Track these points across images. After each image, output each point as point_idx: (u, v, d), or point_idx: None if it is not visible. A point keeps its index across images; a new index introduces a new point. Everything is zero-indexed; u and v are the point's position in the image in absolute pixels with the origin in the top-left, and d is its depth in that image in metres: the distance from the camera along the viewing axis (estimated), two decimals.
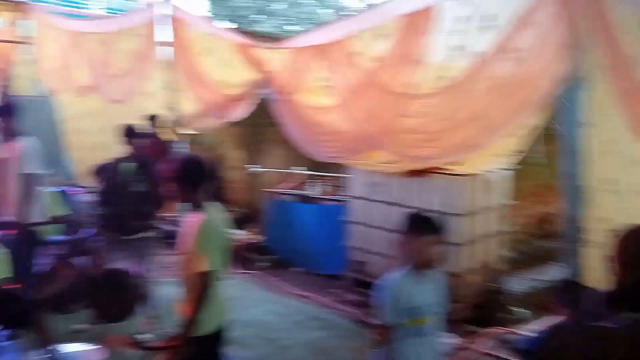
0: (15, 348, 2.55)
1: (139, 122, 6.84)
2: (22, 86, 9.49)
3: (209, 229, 2.55)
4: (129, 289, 4.16)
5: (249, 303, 5.12)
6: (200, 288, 2.50)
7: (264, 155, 8.32)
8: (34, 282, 4.52)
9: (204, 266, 2.48)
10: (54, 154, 8.42)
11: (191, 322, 2.51)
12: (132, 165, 4.23)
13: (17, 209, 4.20)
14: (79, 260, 4.97)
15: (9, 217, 4.27)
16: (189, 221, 2.61)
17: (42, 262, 5.16)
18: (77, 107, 8.80)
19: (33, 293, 4.45)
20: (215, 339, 2.67)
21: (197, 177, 2.63)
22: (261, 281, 5.87)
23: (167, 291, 5.20)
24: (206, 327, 2.58)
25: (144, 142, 4.28)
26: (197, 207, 2.62)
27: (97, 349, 2.69)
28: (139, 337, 4.24)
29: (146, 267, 4.29)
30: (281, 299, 5.33)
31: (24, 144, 4.27)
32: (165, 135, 6.50)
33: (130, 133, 4.22)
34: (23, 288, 4.30)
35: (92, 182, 7.01)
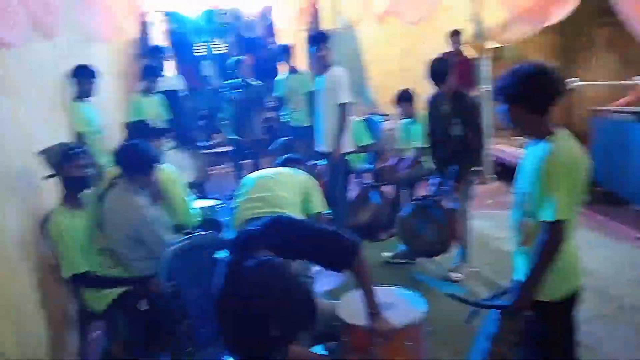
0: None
1: (441, 47, 6.38)
2: (327, 19, 10.08)
3: (563, 166, 1.90)
4: (443, 225, 3.89)
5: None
6: (549, 242, 1.92)
7: (584, 66, 6.89)
8: (346, 209, 4.69)
9: (556, 214, 1.88)
10: (356, 84, 8.76)
11: (534, 282, 1.98)
12: (444, 103, 3.74)
13: (330, 138, 4.29)
14: (385, 189, 4.97)
15: (324, 147, 4.41)
16: (534, 154, 2.00)
17: (353, 189, 5.38)
18: (376, 35, 8.86)
19: (346, 220, 4.64)
20: (567, 307, 2.07)
21: (546, 95, 1.96)
22: (586, 219, 4.91)
23: (482, 225, 4.72)
24: (555, 291, 2.02)
25: (452, 80, 3.69)
26: (543, 134, 1.99)
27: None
28: (452, 275, 4.00)
29: (462, 202, 3.86)
30: (617, 245, 4.32)
31: (336, 74, 4.27)
32: (468, 51, 5.86)
33: (438, 69, 3.69)
34: (337, 214, 4.52)
35: (392, 110, 6.97)
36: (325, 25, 9.87)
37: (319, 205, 3.23)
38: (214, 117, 7.56)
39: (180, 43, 8.59)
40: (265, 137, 6.56)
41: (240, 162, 6.39)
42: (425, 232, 3.89)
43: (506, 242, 4.50)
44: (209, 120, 8.31)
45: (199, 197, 6.04)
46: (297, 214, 3.03)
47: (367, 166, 5.46)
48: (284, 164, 3.59)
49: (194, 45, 8.83)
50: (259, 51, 9.04)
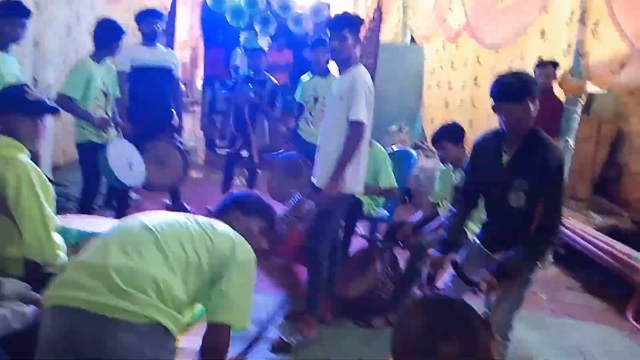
0: None
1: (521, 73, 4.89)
2: (393, 32, 8.75)
3: None
4: (469, 340, 2.31)
5: None
6: None
7: None
8: (340, 267, 3.26)
9: None
10: (410, 109, 7.33)
11: None
12: (506, 150, 2.28)
13: (327, 169, 2.89)
14: (399, 254, 3.50)
15: (321, 182, 2.99)
16: None
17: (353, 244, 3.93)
18: (441, 57, 7.43)
19: (332, 287, 3.19)
20: None
21: None
22: None
23: (530, 339, 2.87)
24: None
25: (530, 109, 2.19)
26: None
27: None
28: None
29: (506, 311, 2.34)
30: None
31: (354, 77, 2.85)
32: (559, 91, 4.33)
33: (519, 83, 2.19)
34: (317, 277, 3.02)
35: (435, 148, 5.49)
36: (387, 37, 8.58)
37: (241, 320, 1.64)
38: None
39: (212, 24, 7.49)
40: (272, 145, 5.27)
41: (232, 168, 5.11)
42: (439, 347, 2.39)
43: None
44: (224, 116, 7.10)
45: (173, 206, 4.70)
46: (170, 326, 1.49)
47: (385, 215, 3.99)
48: (224, 209, 1.91)
49: (229, 29, 7.69)
50: (302, 49, 7.81)
